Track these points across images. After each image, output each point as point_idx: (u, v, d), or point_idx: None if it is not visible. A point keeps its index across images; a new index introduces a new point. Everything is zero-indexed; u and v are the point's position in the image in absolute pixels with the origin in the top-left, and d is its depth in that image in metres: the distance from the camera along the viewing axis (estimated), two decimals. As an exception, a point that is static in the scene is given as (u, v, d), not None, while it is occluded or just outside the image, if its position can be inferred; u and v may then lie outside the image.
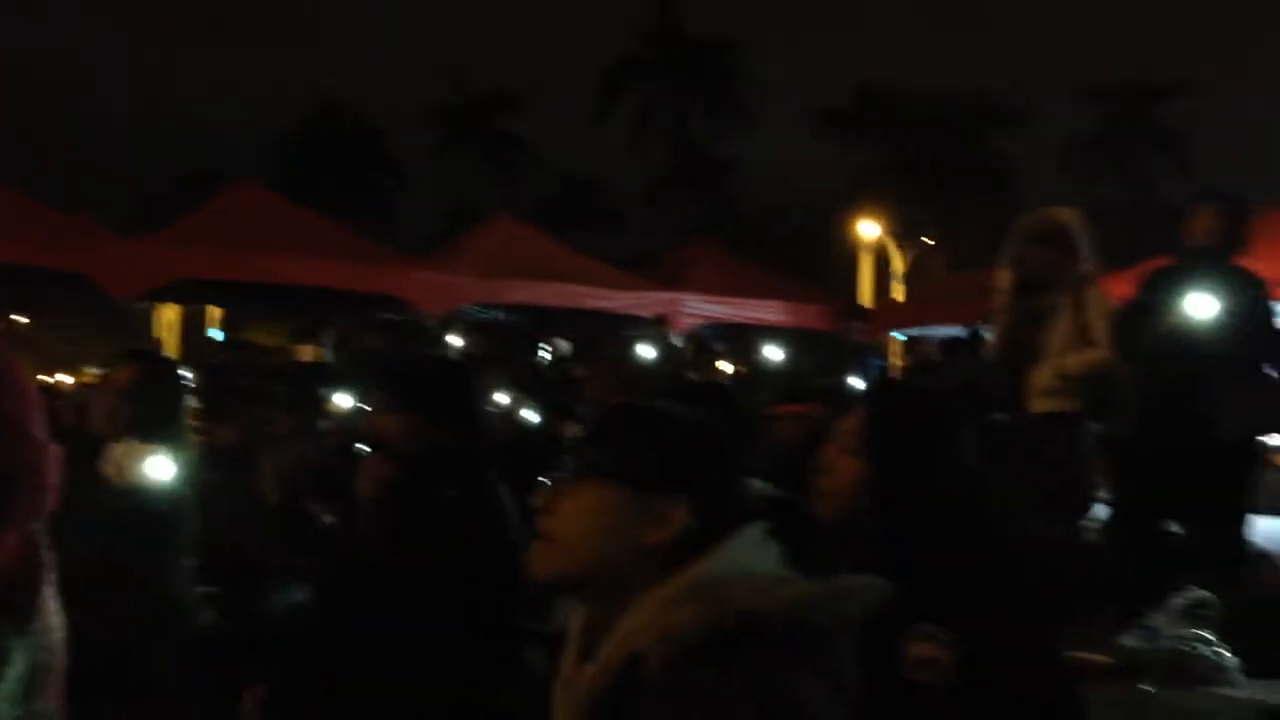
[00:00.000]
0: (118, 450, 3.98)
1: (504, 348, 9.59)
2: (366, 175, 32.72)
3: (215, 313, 13.70)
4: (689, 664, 1.29)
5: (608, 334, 11.98)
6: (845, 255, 25.33)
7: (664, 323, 10.99)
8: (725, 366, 10.86)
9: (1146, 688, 4.17)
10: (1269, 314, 5.13)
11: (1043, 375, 5.06)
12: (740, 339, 12.98)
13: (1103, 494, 5.83)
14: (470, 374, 3.65)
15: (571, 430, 6.46)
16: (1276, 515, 8.03)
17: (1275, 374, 5.86)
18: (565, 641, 1.54)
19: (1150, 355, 4.97)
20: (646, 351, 9.51)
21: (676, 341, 10.99)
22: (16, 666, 2.32)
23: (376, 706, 2.77)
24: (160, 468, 3.93)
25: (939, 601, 1.88)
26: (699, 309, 12.53)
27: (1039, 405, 5.08)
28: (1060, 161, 32.31)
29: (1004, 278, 5.37)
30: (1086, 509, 5.59)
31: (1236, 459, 5.11)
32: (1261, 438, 7.01)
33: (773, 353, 10.56)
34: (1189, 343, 4.85)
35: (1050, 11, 55.46)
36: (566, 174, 33.46)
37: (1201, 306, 4.83)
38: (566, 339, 10.60)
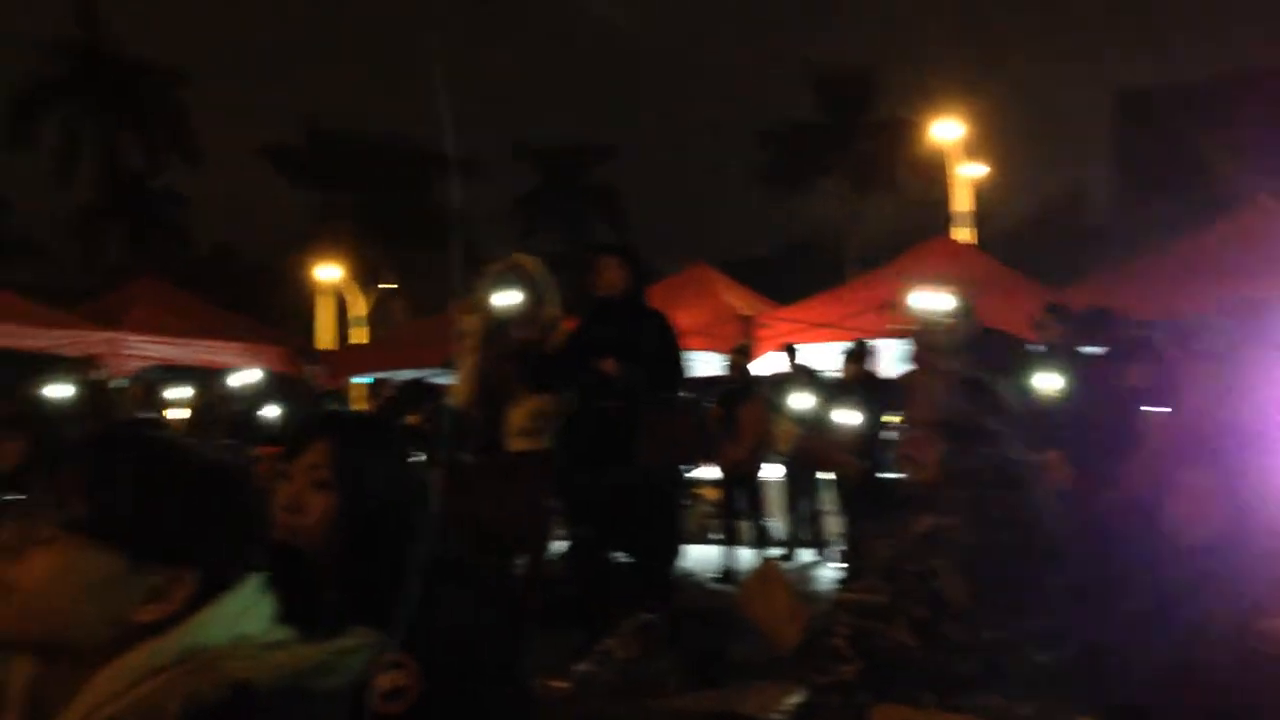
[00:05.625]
0: None
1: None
2: None
3: None
4: None
5: (28, 377, 10.63)
6: (303, 296, 24.81)
7: (96, 364, 10.02)
8: (180, 410, 10.14)
9: (602, 708, 4.47)
10: (674, 353, 5.55)
11: (518, 415, 5.24)
12: (192, 381, 12.20)
13: (562, 527, 6.15)
14: None
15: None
16: (704, 543, 9.03)
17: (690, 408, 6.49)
18: (3, 702, 1.28)
19: (574, 396, 5.28)
20: (63, 392, 8.60)
21: (121, 383, 10.09)
22: None
23: None
24: None
25: (404, 630, 1.86)
26: (142, 349, 11.57)
27: (516, 444, 5.24)
28: (508, 214, 34.24)
29: (472, 322, 5.50)
30: (547, 542, 5.87)
31: (661, 491, 5.55)
32: (685, 470, 7.81)
33: (230, 396, 10.05)
34: (608, 383, 5.21)
35: (491, 71, 58.60)
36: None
37: (620, 347, 5.19)
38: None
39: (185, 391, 10.64)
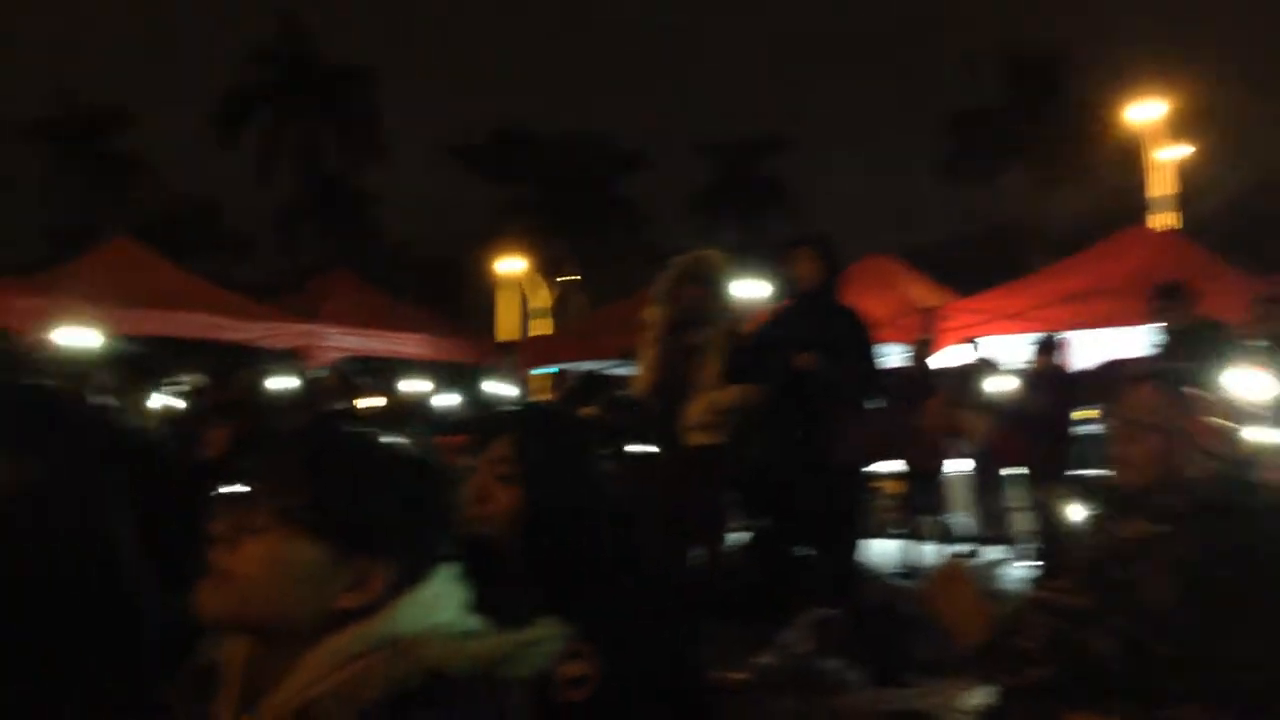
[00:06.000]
0: None
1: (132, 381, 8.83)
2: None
3: None
4: None
5: (238, 367, 11.32)
6: (483, 290, 25.47)
7: (302, 355, 10.58)
8: (371, 400, 10.59)
9: (780, 702, 4.44)
10: (869, 349, 5.55)
11: (697, 409, 5.25)
12: (381, 372, 12.72)
13: (741, 520, 6.14)
14: (68, 404, 3.33)
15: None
16: (884, 537, 8.87)
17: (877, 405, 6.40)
18: (218, 681, 1.37)
19: (760, 385, 5.25)
20: (285, 383, 9.11)
21: (319, 374, 10.61)
22: None
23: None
24: None
25: (585, 620, 1.89)
26: (338, 341, 12.15)
27: (693, 438, 5.25)
28: (686, 206, 34.40)
29: (655, 314, 5.54)
30: (725, 534, 5.87)
31: (847, 486, 5.49)
32: (867, 467, 7.72)
33: (417, 386, 10.42)
34: (802, 377, 5.15)
35: (671, 68, 58.91)
36: (182, 195, 31.37)
37: (816, 344, 5.15)
38: (198, 372, 9.94)
39: (424, 386, 10.96)
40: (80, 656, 2.60)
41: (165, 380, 9.16)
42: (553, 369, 12.41)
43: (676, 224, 33.57)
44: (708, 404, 5.23)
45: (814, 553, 5.33)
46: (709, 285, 5.39)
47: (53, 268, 12.07)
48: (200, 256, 24.18)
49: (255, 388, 8.59)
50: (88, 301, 9.91)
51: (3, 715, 2.51)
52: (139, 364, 9.58)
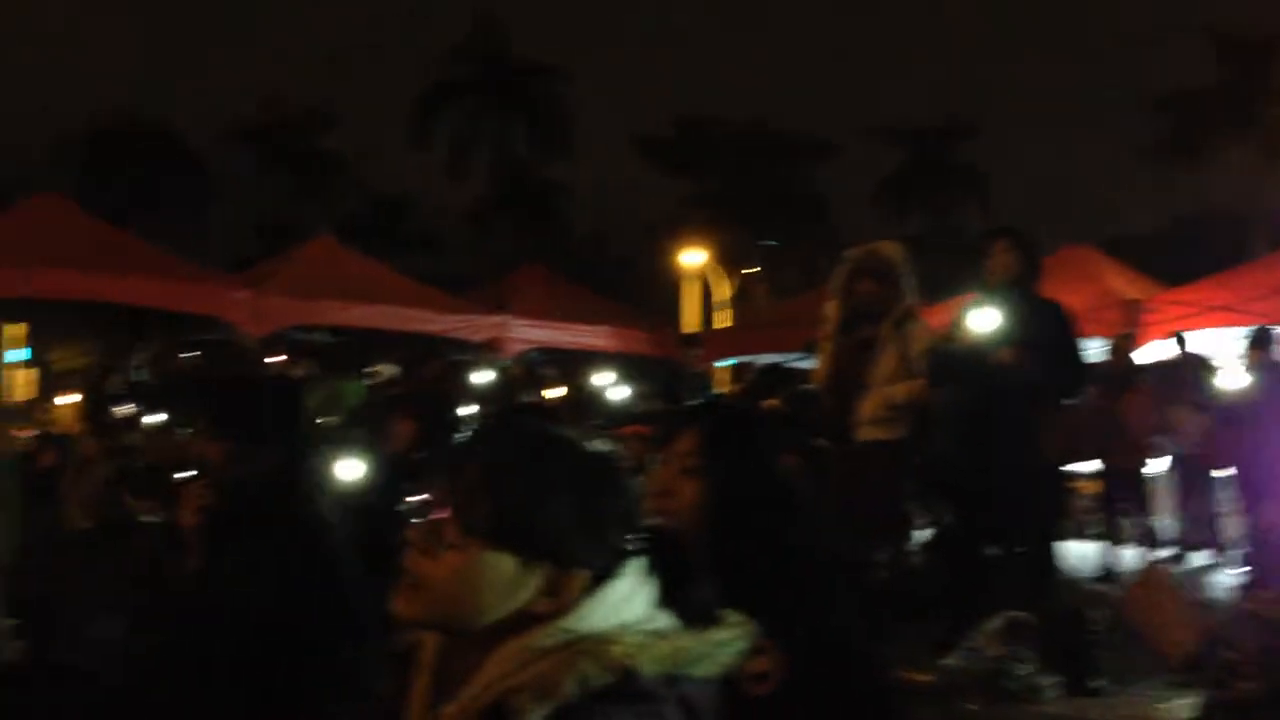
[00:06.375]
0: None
1: (329, 370, 9.30)
2: (172, 192, 31.05)
3: (15, 331, 12.86)
4: (563, 718, 1.24)
5: (432, 358, 11.77)
6: (667, 282, 25.63)
7: (494, 347, 10.91)
8: (555, 390, 10.83)
9: (968, 705, 4.33)
10: (1073, 345, 5.34)
11: (871, 404, 5.17)
12: (567, 363, 12.99)
13: (923, 518, 6.01)
14: (293, 397, 3.51)
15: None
16: (1082, 539, 8.54)
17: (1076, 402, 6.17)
18: (414, 668, 1.43)
19: (962, 385, 5.11)
20: (482, 374, 9.42)
21: (504, 364, 10.93)
22: None
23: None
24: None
25: (769, 615, 1.88)
26: (527, 333, 12.47)
27: (867, 433, 5.18)
28: (871, 197, 33.73)
29: (831, 308, 5.47)
30: (908, 532, 5.76)
31: (1044, 485, 5.31)
32: (1065, 466, 7.44)
33: (601, 377, 10.57)
34: (998, 374, 5.00)
35: (855, 53, 57.73)
36: (379, 193, 32.68)
37: (1003, 338, 4.98)
38: (391, 363, 10.38)
39: (608, 377, 11.07)
40: (299, 631, 2.77)
41: (362, 371, 9.59)
42: (731, 361, 12.41)
43: (863, 213, 32.96)
44: (881, 399, 5.14)
45: (1004, 553, 5.17)
46: (883, 279, 5.29)
47: (262, 263, 12.84)
48: (393, 252, 25.17)
49: (443, 379, 8.88)
50: (294, 296, 10.52)
51: (223, 674, 2.69)
52: (341, 355, 10.09)
